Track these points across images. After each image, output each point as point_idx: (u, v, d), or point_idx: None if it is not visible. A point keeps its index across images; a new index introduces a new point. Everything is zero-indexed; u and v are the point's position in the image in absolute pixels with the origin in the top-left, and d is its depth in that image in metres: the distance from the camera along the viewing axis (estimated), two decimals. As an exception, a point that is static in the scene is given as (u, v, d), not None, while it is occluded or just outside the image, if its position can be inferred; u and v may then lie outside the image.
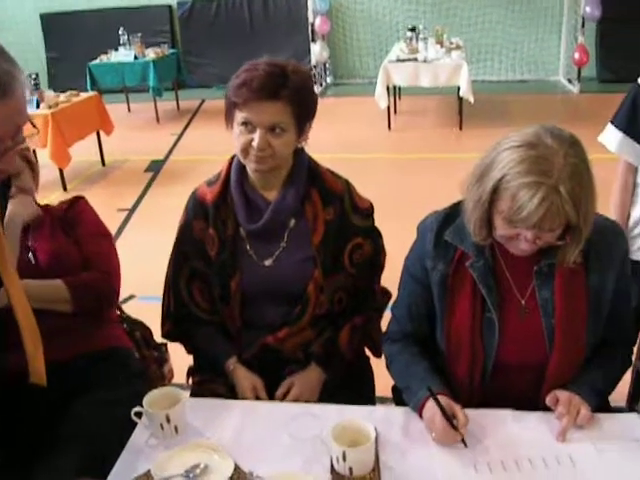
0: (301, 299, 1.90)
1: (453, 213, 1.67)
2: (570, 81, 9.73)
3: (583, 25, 9.10)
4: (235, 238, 1.91)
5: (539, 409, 1.61)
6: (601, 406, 1.64)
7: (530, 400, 1.63)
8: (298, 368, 1.95)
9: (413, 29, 8.08)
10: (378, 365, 2.03)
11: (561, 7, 9.99)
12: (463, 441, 1.50)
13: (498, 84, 10.16)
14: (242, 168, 1.89)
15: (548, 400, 1.57)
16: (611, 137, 2.42)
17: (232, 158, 1.94)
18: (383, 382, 1.96)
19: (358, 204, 1.96)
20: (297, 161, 1.92)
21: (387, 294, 2.08)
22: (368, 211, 1.99)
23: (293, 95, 1.74)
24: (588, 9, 8.86)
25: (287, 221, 1.91)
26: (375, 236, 2.03)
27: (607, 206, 2.42)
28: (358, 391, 2.02)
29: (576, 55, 9.05)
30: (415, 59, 7.38)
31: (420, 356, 1.74)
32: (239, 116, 1.76)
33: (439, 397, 1.54)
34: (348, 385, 1.98)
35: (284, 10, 10.25)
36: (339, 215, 1.91)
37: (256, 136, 1.74)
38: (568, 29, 9.93)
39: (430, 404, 1.56)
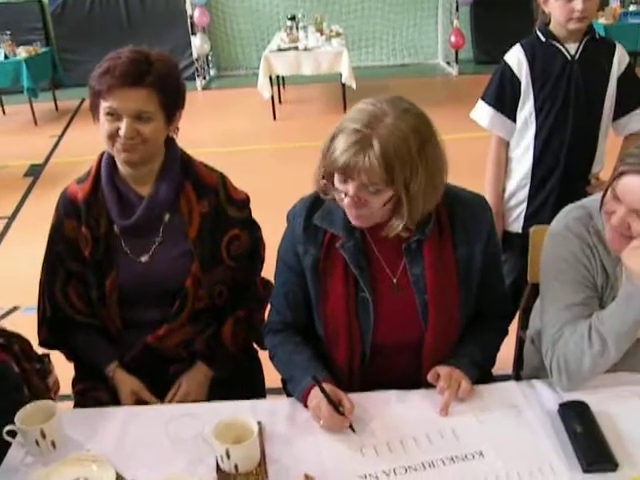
0: (180, 295, 1.85)
1: (321, 197, 1.65)
2: (449, 63, 10.01)
3: (457, 9, 9.37)
4: (109, 235, 1.85)
5: (422, 387, 1.63)
6: (482, 377, 1.69)
7: (412, 378, 1.65)
8: (183, 367, 1.91)
9: (293, 18, 8.07)
10: (267, 357, 2.00)
11: (436, -8, 10.24)
12: (351, 427, 1.50)
13: (380, 69, 10.32)
14: (113, 163, 1.84)
15: (429, 376, 1.59)
16: (482, 113, 2.51)
17: (102, 154, 1.87)
18: (275, 374, 1.94)
19: (233, 196, 1.94)
20: (169, 154, 1.88)
21: (269, 285, 2.06)
22: (244, 202, 1.96)
23: (158, 82, 1.71)
24: (461, -7, 9.14)
25: (162, 216, 1.86)
26: (253, 228, 2.01)
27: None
28: (248, 385, 2.01)
29: (452, 38, 9.31)
30: (296, 48, 7.38)
31: (302, 345, 1.72)
32: (104, 105, 1.70)
33: (324, 384, 1.53)
34: (237, 380, 1.97)
35: (161, 3, 9.98)
36: (214, 207, 1.89)
37: (122, 124, 1.69)
38: (444, 13, 10.19)
39: (315, 392, 1.55)
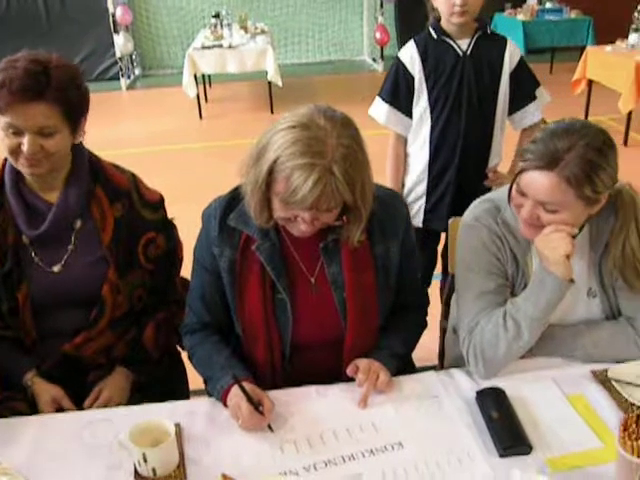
0: (97, 302, 1.80)
1: (236, 197, 1.63)
2: (374, 60, 10.10)
3: (382, 6, 9.47)
4: (17, 246, 1.77)
5: (343, 382, 1.63)
6: (402, 369, 1.70)
7: (333, 374, 1.65)
8: (102, 374, 1.85)
9: (217, 15, 7.99)
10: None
11: (360, -11, 10.32)
12: (270, 427, 1.49)
13: (307, 66, 10.34)
14: (17, 170, 1.73)
15: (349, 370, 1.60)
16: (379, 110, 2.54)
17: (4, 160, 1.77)
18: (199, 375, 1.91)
19: (147, 197, 1.88)
20: (76, 159, 1.79)
21: (187, 285, 2.03)
22: (158, 203, 1.92)
23: (59, 94, 1.60)
24: (385, -10, 9.23)
25: (73, 223, 1.79)
26: (169, 228, 1.97)
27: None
28: (171, 387, 1.97)
29: (377, 35, 9.40)
30: (220, 46, 7.31)
31: (221, 344, 1.71)
32: (3, 121, 1.59)
33: (244, 383, 1.52)
34: (160, 382, 1.92)
35: (82, 1, 9.74)
36: (128, 211, 1.82)
37: (25, 140, 1.60)
38: (369, 10, 10.28)
39: (234, 391, 1.53)
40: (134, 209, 1.84)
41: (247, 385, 1.52)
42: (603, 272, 1.67)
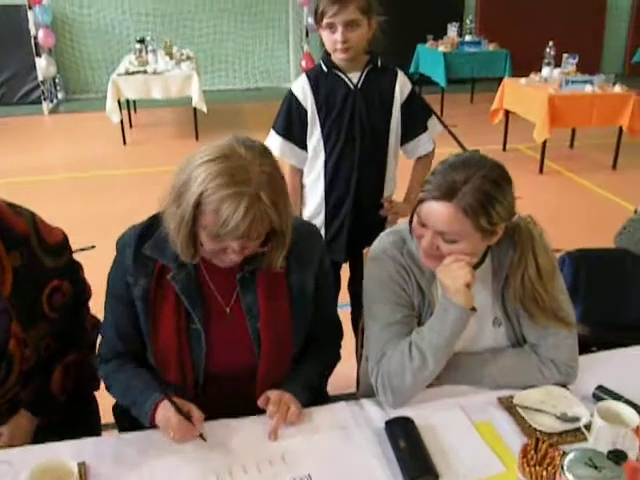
0: (4, 358, 1.69)
1: (151, 225, 1.62)
2: (301, 88, 10.19)
3: (307, 35, 9.59)
4: None
5: (256, 412, 1.63)
6: (314, 400, 1.70)
7: (247, 404, 1.63)
8: (3, 418, 1.76)
9: (142, 41, 7.94)
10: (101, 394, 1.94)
11: (287, 18, 10.44)
12: (201, 436, 1.51)
13: (233, 93, 10.37)
14: None
15: (260, 401, 1.60)
16: (274, 142, 2.53)
17: None
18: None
19: (48, 240, 1.75)
20: None
21: (97, 325, 1.96)
22: (60, 246, 1.80)
23: None
24: (310, 20, 9.36)
25: None
26: (74, 271, 1.89)
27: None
28: (80, 423, 1.91)
29: (303, 63, 9.52)
30: (145, 71, 7.26)
31: (138, 370, 1.68)
32: None
33: (165, 401, 1.53)
34: (67, 420, 1.86)
35: (3, 22, 9.51)
36: (28, 259, 1.68)
37: None
38: (295, 39, 10.39)
39: (162, 407, 1.54)
40: (34, 257, 1.71)
41: (175, 398, 1.53)
42: (506, 302, 1.73)
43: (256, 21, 10.44)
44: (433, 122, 2.63)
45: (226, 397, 1.65)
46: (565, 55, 6.77)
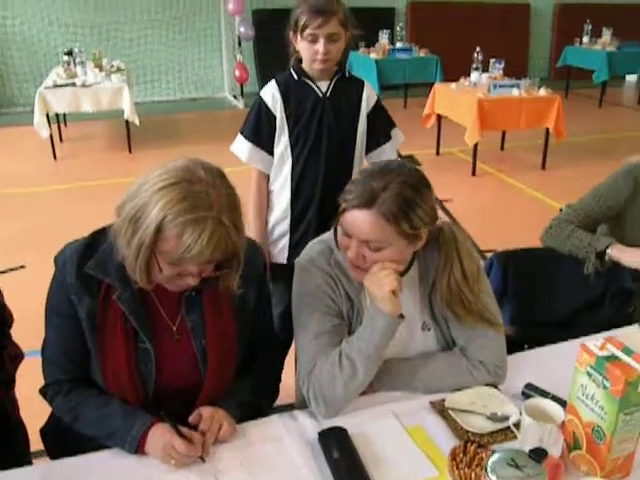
0: None
1: (94, 243, 1.58)
2: (235, 97, 10.16)
3: (240, 44, 9.57)
4: None
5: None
6: (249, 415, 1.68)
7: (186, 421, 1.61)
8: None
9: (70, 53, 7.78)
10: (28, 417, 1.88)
11: (219, 28, 10.38)
12: (201, 457, 1.49)
13: (167, 104, 10.25)
14: None
15: (191, 418, 1.57)
16: (242, 147, 2.55)
17: None
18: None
19: None
20: None
21: (19, 355, 1.89)
22: None
23: None
24: (242, 29, 9.36)
25: None
26: None
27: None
28: (6, 453, 1.84)
29: (237, 73, 9.49)
30: (74, 84, 7.11)
31: (103, 395, 1.62)
32: None
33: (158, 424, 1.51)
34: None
35: None
36: None
37: None
38: (227, 48, 10.35)
39: (157, 432, 1.50)
40: None
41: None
42: (434, 306, 1.75)
43: (188, 31, 10.36)
44: (396, 132, 2.68)
45: (174, 414, 1.62)
46: (492, 60, 6.94)
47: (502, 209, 5.69)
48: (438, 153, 7.18)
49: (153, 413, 1.58)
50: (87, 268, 1.55)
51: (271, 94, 2.49)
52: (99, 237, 1.57)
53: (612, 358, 1.39)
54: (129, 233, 1.41)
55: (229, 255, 1.49)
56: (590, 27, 10.15)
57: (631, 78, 11.56)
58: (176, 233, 1.37)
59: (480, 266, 1.78)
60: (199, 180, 1.40)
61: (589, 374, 1.41)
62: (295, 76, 2.48)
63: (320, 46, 2.34)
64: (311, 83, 2.47)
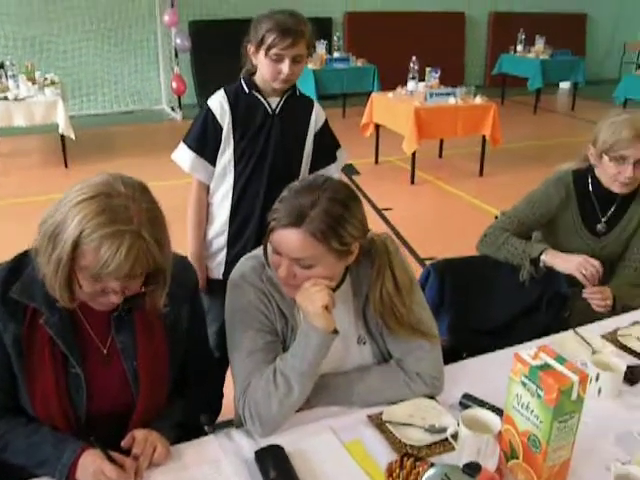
0: None
1: (19, 266, 1.51)
2: (173, 109, 10.05)
3: (177, 56, 9.48)
4: None
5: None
6: (185, 435, 1.65)
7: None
8: None
9: (1, 66, 7.57)
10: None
11: (155, 39, 10.24)
12: None
13: (104, 117, 10.06)
14: None
15: (124, 442, 1.52)
16: (184, 156, 2.49)
17: None
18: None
19: None
20: None
21: None
22: None
23: None
24: (179, 41, 9.27)
25: None
26: None
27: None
28: None
29: (174, 84, 9.40)
30: (6, 98, 6.92)
31: (33, 424, 1.55)
32: None
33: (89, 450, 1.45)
34: None
35: None
36: None
37: None
38: (164, 60, 10.23)
39: (87, 459, 1.44)
40: None
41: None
42: (368, 320, 1.74)
43: (124, 43, 10.19)
44: (341, 153, 2.67)
45: (106, 438, 1.55)
46: (428, 69, 7.02)
47: (441, 216, 5.75)
48: (377, 162, 7.23)
49: (85, 439, 1.53)
50: (12, 293, 1.49)
51: (219, 104, 2.43)
52: (23, 260, 1.52)
53: (545, 367, 1.40)
54: (49, 250, 1.37)
55: (152, 271, 1.45)
56: (524, 36, 10.39)
57: (565, 85, 11.86)
58: (94, 247, 1.33)
59: (413, 278, 1.78)
60: (118, 194, 1.37)
61: (523, 383, 1.41)
62: (245, 88, 2.44)
63: (285, 67, 2.30)
64: (261, 98, 2.42)
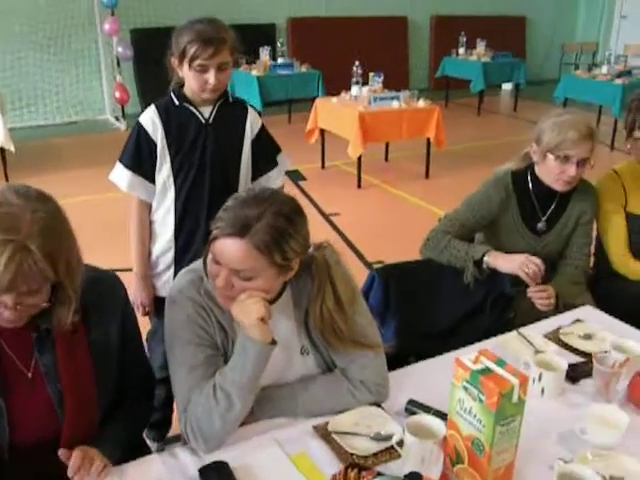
0: None
1: None
2: (117, 119, 9.90)
3: (119, 65, 9.34)
4: None
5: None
6: (128, 454, 1.61)
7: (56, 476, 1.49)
8: None
9: None
10: None
11: (97, 48, 10.08)
12: None
13: (46, 129, 9.85)
14: None
15: (61, 453, 1.45)
16: (121, 176, 2.43)
17: None
18: None
19: None
20: None
21: None
22: None
23: None
24: (120, 49, 9.14)
25: None
26: None
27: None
28: None
29: (117, 94, 9.26)
30: (-60, 112, 6.73)
31: None
32: None
33: None
34: None
35: None
36: None
37: None
38: (107, 69, 10.08)
39: None
40: None
41: None
42: (311, 330, 1.73)
43: (64, 52, 10.00)
44: (282, 158, 2.64)
45: (34, 469, 1.51)
46: (371, 74, 7.06)
47: (389, 220, 5.78)
48: (323, 167, 7.22)
49: (10, 472, 1.48)
50: None
51: (151, 120, 2.38)
52: None
53: (486, 371, 1.40)
54: None
55: (53, 286, 1.39)
56: (465, 39, 10.52)
57: (507, 86, 12.04)
58: None
59: (355, 289, 1.77)
60: (9, 204, 1.32)
61: (465, 388, 1.42)
62: (176, 101, 2.39)
63: (211, 76, 2.27)
64: (193, 109, 2.39)
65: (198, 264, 1.71)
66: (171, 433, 2.68)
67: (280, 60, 8.83)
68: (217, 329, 1.67)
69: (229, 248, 1.52)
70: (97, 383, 1.58)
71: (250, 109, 2.54)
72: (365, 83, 7.04)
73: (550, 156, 2.43)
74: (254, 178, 2.57)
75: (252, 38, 9.63)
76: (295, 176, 6.79)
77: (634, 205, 2.72)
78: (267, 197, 1.55)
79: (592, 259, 2.82)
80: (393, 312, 2.46)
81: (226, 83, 2.36)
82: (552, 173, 2.47)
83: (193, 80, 2.30)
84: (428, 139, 6.70)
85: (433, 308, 2.50)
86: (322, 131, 6.98)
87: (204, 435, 1.57)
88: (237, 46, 2.36)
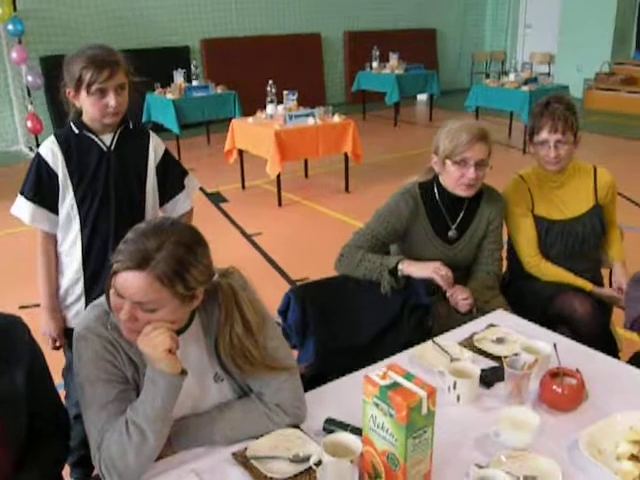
0: None
1: None
2: (31, 149, 9.64)
3: (30, 94, 9.12)
4: None
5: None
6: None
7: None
8: None
9: None
10: None
11: (6, 78, 9.82)
12: None
13: (-44, 163, 9.54)
14: None
15: None
16: (23, 208, 2.38)
17: None
18: None
19: None
20: None
21: None
22: None
23: None
24: (30, 78, 8.92)
25: None
26: None
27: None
28: None
29: (29, 124, 9.03)
30: None
31: None
32: None
33: None
34: None
35: None
36: None
37: None
38: (18, 99, 9.82)
39: None
40: None
41: None
42: (222, 357, 1.71)
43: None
44: (190, 180, 2.63)
45: None
46: (285, 92, 7.09)
47: (311, 236, 5.80)
48: (244, 187, 7.20)
49: None
50: None
51: (50, 150, 2.34)
52: None
53: (394, 386, 1.42)
54: None
55: None
56: (378, 53, 10.72)
57: (422, 97, 12.31)
58: None
59: (265, 314, 1.76)
60: None
61: (376, 404, 1.43)
62: (76, 130, 2.36)
63: (111, 99, 2.25)
64: (94, 137, 2.35)
65: (103, 298, 1.68)
66: (96, 471, 2.60)
67: (195, 82, 8.77)
68: (127, 363, 1.63)
69: (130, 281, 1.49)
70: (5, 431, 1.52)
71: (152, 134, 2.52)
72: (280, 102, 7.07)
73: (448, 162, 2.52)
74: (162, 203, 2.55)
75: (166, 61, 9.60)
76: (216, 198, 6.75)
77: (540, 208, 2.82)
78: (167, 228, 1.54)
79: (505, 263, 2.90)
80: (312, 331, 2.46)
81: (125, 106, 2.34)
82: (453, 178, 2.54)
83: (92, 106, 2.27)
84: (345, 154, 6.77)
85: (353, 323, 2.51)
86: (241, 152, 6.97)
87: (119, 472, 1.53)
88: (130, 69, 2.35)
